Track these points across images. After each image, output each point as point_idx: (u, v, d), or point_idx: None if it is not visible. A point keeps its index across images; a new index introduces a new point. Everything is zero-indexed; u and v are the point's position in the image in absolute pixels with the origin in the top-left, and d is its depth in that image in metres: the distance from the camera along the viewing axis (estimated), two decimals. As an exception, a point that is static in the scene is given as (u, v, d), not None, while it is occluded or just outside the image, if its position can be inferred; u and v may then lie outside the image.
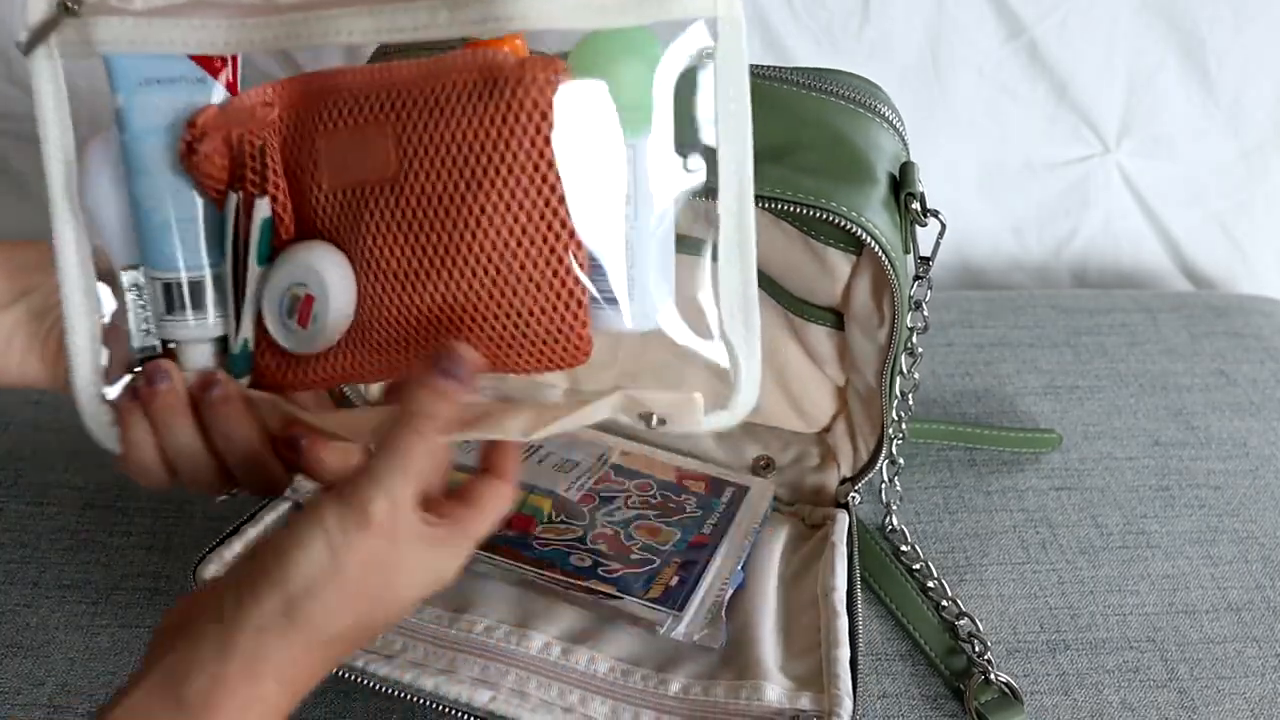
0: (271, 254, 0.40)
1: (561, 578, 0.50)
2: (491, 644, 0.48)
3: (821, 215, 0.46)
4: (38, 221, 0.84)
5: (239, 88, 0.40)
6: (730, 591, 0.51)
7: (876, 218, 0.46)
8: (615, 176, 0.38)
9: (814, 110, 0.51)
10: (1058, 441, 0.64)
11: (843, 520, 0.55)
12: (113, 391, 0.41)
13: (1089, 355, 0.72)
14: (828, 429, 0.60)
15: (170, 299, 0.41)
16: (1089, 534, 0.58)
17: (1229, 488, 0.61)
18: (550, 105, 0.37)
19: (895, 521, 0.58)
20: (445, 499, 0.38)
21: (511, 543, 0.52)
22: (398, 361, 0.40)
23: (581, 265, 0.38)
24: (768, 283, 0.55)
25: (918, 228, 0.49)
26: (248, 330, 0.41)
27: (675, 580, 0.50)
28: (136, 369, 0.41)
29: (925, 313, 0.51)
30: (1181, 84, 0.77)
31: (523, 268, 0.38)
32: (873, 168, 0.48)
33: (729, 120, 0.37)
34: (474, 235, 0.38)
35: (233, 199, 0.40)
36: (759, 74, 0.53)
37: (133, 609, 0.54)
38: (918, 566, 0.56)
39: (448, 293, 0.38)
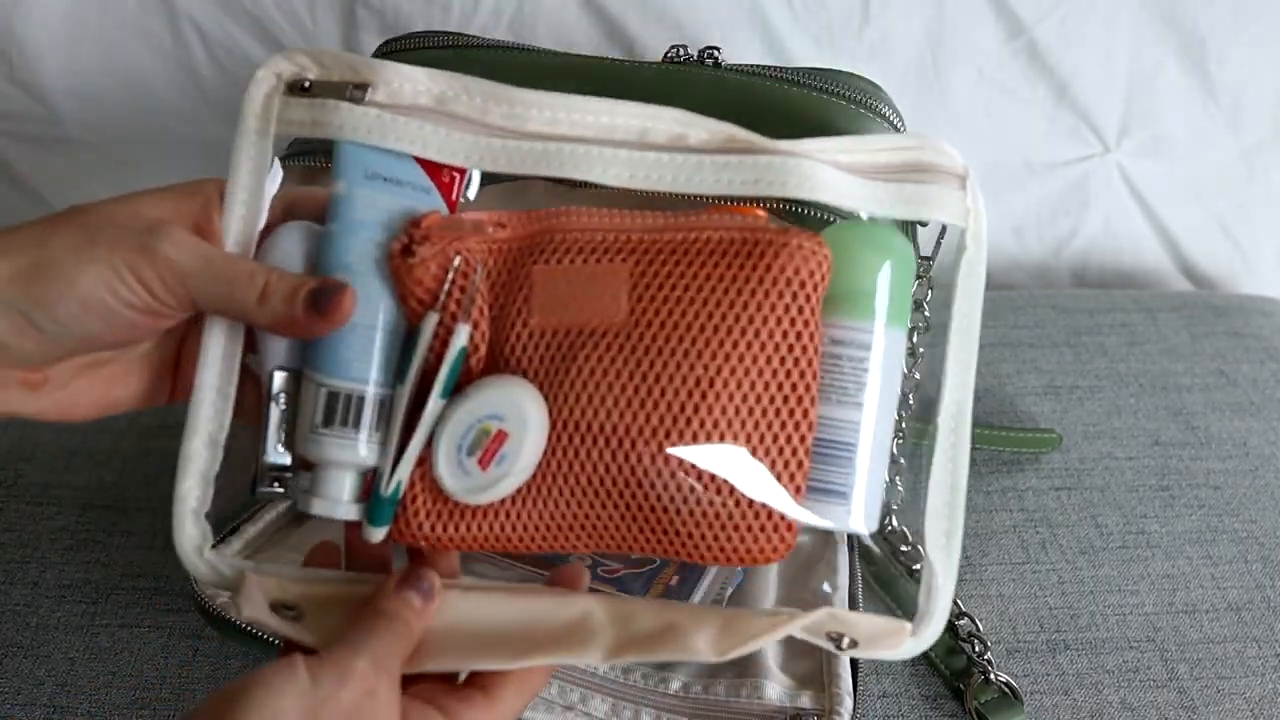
0: (455, 389, 0.37)
1: None
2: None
3: (823, 216, 0.46)
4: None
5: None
6: (730, 591, 0.51)
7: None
8: (859, 360, 0.37)
9: (815, 110, 0.51)
10: (1058, 441, 0.64)
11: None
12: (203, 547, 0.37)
13: (1089, 355, 0.72)
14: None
15: (332, 410, 0.36)
16: (1089, 534, 0.58)
17: (1229, 488, 0.61)
18: (815, 276, 0.36)
19: (895, 521, 0.58)
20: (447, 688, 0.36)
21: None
22: (568, 529, 0.37)
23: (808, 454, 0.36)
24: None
25: (919, 227, 0.49)
26: (406, 470, 0.36)
27: (676, 580, 0.50)
28: (265, 487, 0.37)
29: (926, 313, 0.51)
30: (1181, 84, 0.77)
31: (749, 439, 0.35)
32: (873, 168, 0.48)
33: (961, 336, 0.38)
34: (708, 396, 0.35)
35: (431, 319, 0.36)
36: (760, 74, 0.53)
37: (133, 609, 0.54)
38: (918, 567, 0.56)
39: (658, 458, 0.35)
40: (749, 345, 0.35)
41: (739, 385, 0.35)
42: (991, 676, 0.49)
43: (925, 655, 0.52)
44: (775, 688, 0.46)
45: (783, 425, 0.36)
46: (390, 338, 0.37)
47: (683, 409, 0.35)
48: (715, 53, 0.55)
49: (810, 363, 0.36)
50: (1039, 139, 0.80)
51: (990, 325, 0.74)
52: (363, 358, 0.37)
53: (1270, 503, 0.61)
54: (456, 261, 0.37)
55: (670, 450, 0.35)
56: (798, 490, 0.36)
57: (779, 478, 0.36)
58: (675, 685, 0.47)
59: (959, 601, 0.53)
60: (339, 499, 0.37)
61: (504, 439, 0.36)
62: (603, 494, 0.36)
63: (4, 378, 0.35)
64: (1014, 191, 0.82)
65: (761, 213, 0.37)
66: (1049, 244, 0.85)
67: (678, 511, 0.36)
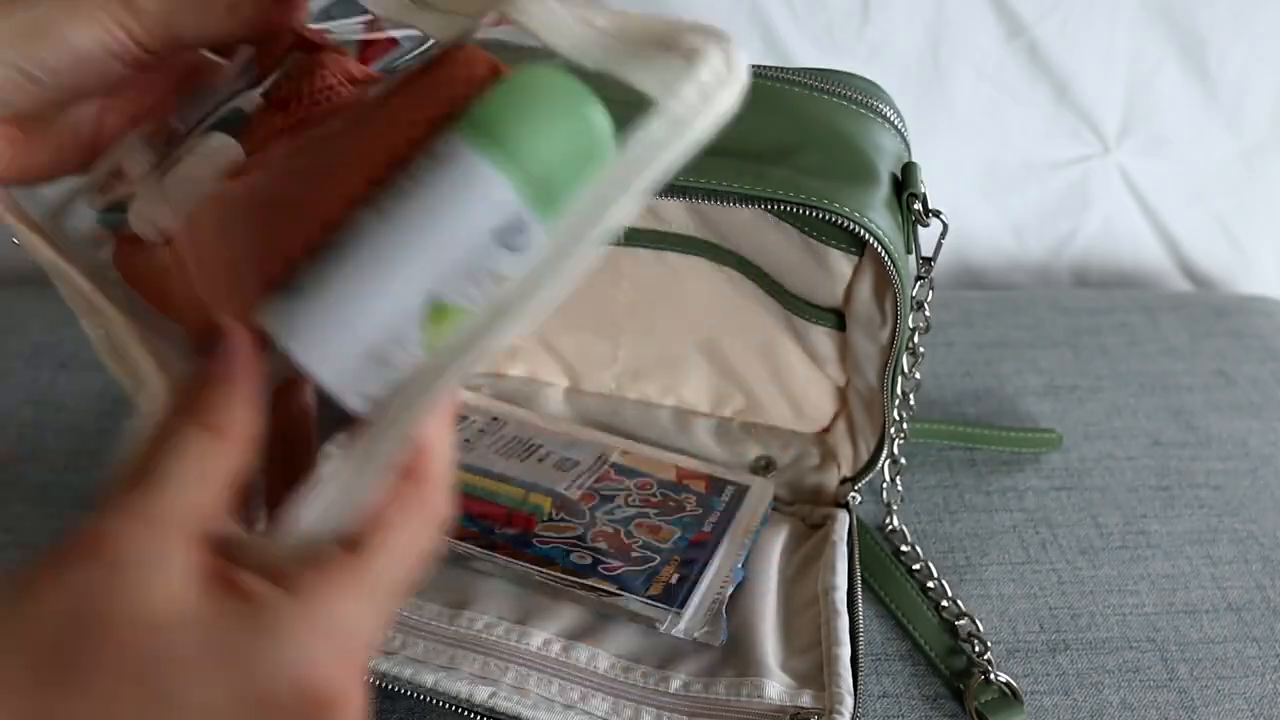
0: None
1: (562, 575, 0.50)
2: (491, 641, 0.48)
3: (824, 216, 0.46)
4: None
5: None
6: (731, 589, 0.51)
7: (879, 218, 0.46)
8: (421, 167, 0.30)
9: (816, 111, 0.51)
10: (1058, 441, 0.64)
11: (843, 520, 0.55)
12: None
13: (1089, 355, 0.72)
14: (828, 429, 0.60)
15: None
16: (1089, 534, 0.58)
17: (1229, 488, 0.61)
18: (462, 87, 0.31)
19: (895, 521, 0.58)
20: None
21: (512, 540, 0.52)
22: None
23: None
24: (769, 283, 0.55)
25: (919, 228, 0.49)
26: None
27: (676, 578, 0.50)
28: None
29: (927, 313, 0.51)
30: (1181, 84, 0.77)
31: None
32: (875, 168, 0.49)
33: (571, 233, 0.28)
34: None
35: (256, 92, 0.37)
36: (760, 74, 0.53)
37: (133, 608, 0.54)
38: (918, 566, 0.56)
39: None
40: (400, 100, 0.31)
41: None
42: (991, 676, 0.49)
43: (925, 655, 0.52)
44: (775, 687, 0.46)
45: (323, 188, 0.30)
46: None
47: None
48: (715, 52, 0.55)
49: (393, 153, 0.29)
50: (1039, 139, 0.80)
51: (990, 325, 0.74)
52: None
53: (1270, 503, 0.61)
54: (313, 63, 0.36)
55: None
56: (277, 279, 0.28)
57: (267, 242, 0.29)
58: (675, 684, 0.47)
59: (959, 601, 0.53)
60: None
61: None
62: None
63: None
64: (1014, 191, 0.83)
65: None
66: (1049, 244, 0.85)
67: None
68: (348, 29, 0.39)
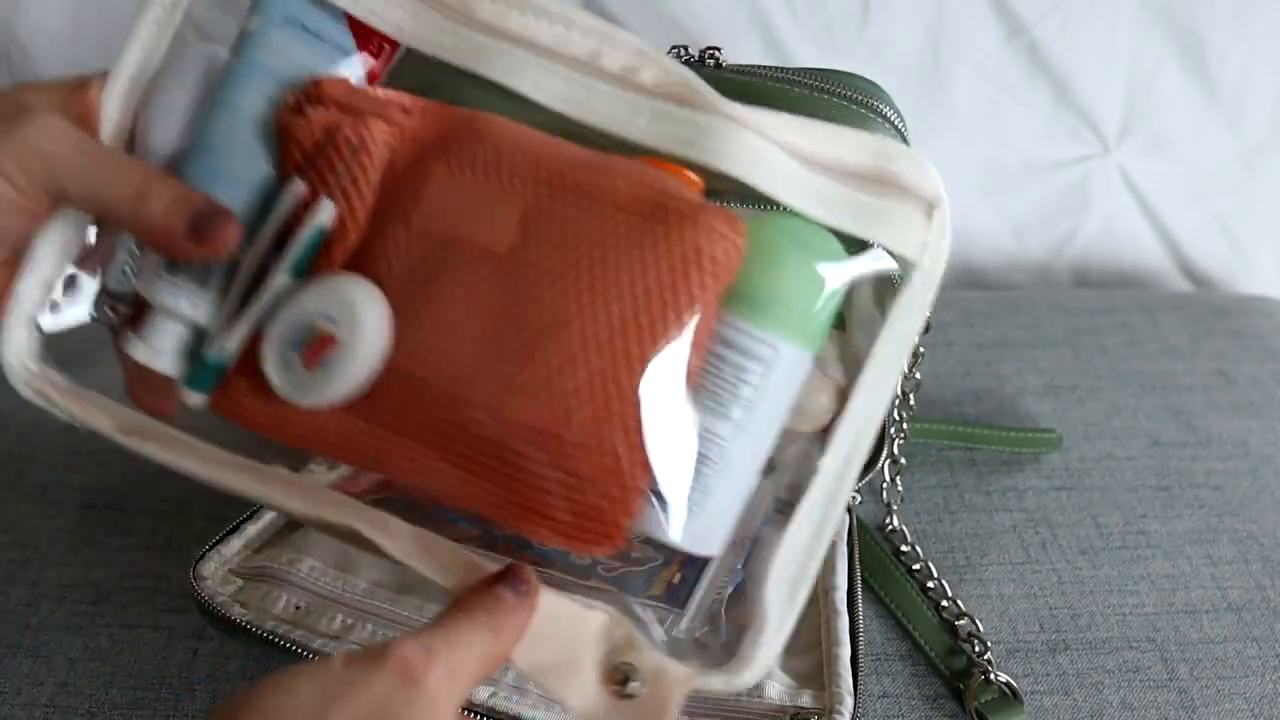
0: (308, 271, 0.34)
1: (562, 576, 0.50)
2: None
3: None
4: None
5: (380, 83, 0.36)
6: (730, 590, 0.51)
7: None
8: (746, 370, 0.33)
9: (816, 111, 0.51)
10: (1058, 441, 0.64)
11: (843, 520, 0.55)
12: (50, 321, 0.34)
13: (1089, 355, 0.72)
14: (828, 429, 0.60)
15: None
16: (1089, 534, 0.58)
17: (1229, 488, 0.61)
18: (718, 265, 0.31)
19: (895, 521, 0.58)
20: None
21: (512, 541, 0.52)
22: (392, 455, 0.33)
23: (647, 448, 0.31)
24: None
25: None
26: (236, 342, 0.33)
27: (678, 578, 0.50)
28: (99, 310, 0.35)
29: (927, 313, 0.51)
30: (1181, 84, 0.77)
31: (602, 408, 0.31)
32: (874, 167, 0.48)
33: (879, 368, 0.32)
34: (559, 340, 0.31)
35: (296, 187, 0.33)
36: (760, 74, 0.53)
37: (133, 609, 0.54)
38: (918, 566, 0.56)
39: (501, 393, 0.31)
40: (620, 311, 0.31)
41: (597, 349, 0.31)
42: (991, 676, 0.49)
43: (925, 655, 0.52)
44: (775, 686, 0.46)
45: (635, 411, 0.31)
46: (262, 200, 0.34)
47: (530, 345, 0.31)
48: (716, 53, 0.55)
49: (683, 356, 0.31)
50: (1039, 139, 0.80)
51: (990, 325, 0.74)
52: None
53: (1270, 503, 0.61)
54: (351, 136, 0.33)
55: (514, 386, 0.31)
56: (635, 487, 0.32)
57: (616, 464, 0.31)
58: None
59: (959, 601, 0.53)
60: (162, 350, 0.34)
61: (330, 344, 0.32)
62: (433, 428, 0.32)
63: None
64: (1014, 191, 0.82)
65: (694, 179, 0.34)
66: (1049, 244, 0.85)
67: (505, 465, 0.32)
68: (335, 38, 0.35)
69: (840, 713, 0.45)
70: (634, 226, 0.32)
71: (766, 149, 0.32)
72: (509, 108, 0.34)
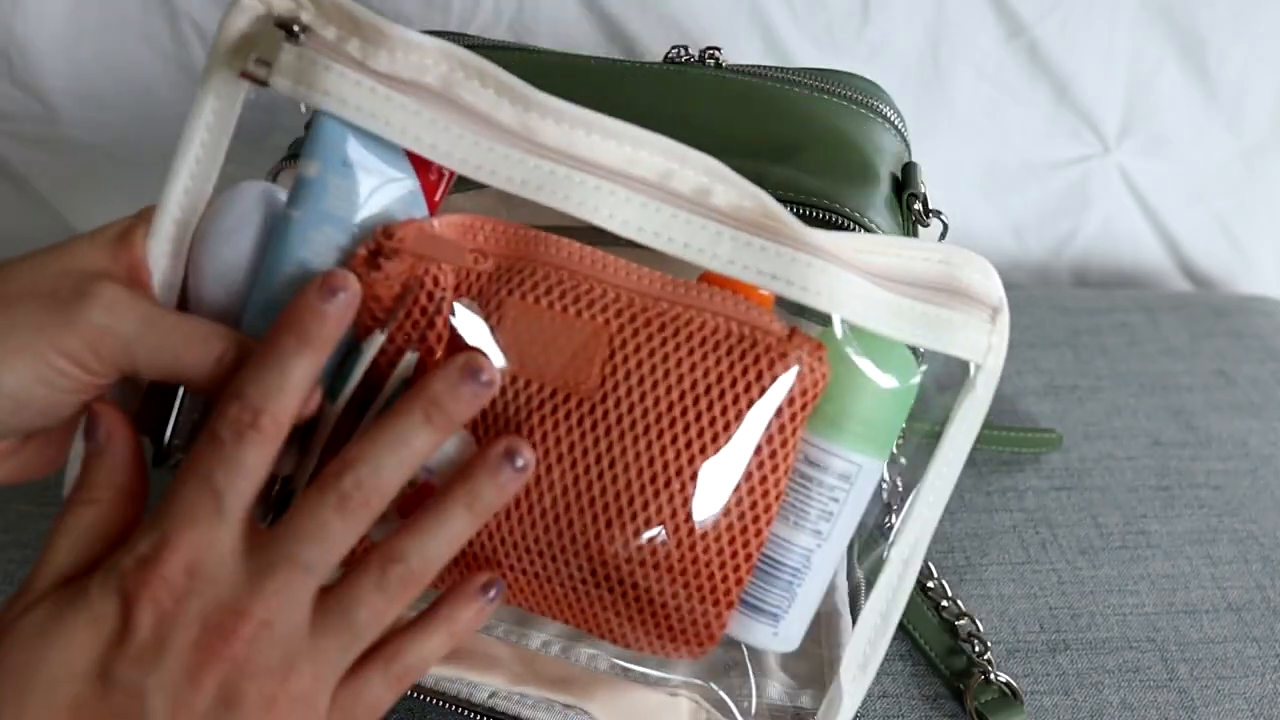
0: None
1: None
2: (491, 640, 0.48)
3: (825, 216, 0.46)
4: (38, 221, 0.84)
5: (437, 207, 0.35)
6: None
7: (880, 218, 0.46)
8: (832, 488, 0.35)
9: (816, 111, 0.51)
10: (1058, 441, 0.64)
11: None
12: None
13: (1089, 355, 0.72)
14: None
15: None
16: (1089, 534, 0.58)
17: (1229, 488, 0.61)
18: (808, 395, 0.33)
19: (895, 521, 0.57)
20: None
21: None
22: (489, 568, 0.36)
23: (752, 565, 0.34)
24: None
25: (920, 228, 0.49)
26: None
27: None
28: (166, 463, 0.34)
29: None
30: (1181, 84, 0.77)
31: (703, 542, 0.33)
32: (875, 168, 0.49)
33: (939, 479, 0.36)
34: (661, 495, 0.32)
35: (376, 340, 0.33)
36: (761, 74, 0.53)
37: (133, 608, 0.54)
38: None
39: (595, 540, 0.33)
40: (719, 449, 0.33)
41: (699, 488, 0.33)
42: (991, 677, 0.49)
43: (925, 655, 0.52)
44: (776, 687, 0.46)
45: (734, 535, 0.34)
46: (340, 350, 0.33)
47: (633, 501, 0.33)
48: (716, 53, 0.55)
49: (778, 482, 0.34)
50: (1039, 139, 0.80)
51: (990, 325, 0.74)
52: None
53: (1270, 503, 0.61)
54: (427, 284, 0.33)
55: (609, 533, 0.33)
56: (729, 602, 0.34)
57: (716, 585, 0.34)
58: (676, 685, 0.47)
59: (959, 601, 0.53)
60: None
61: (429, 492, 0.32)
62: (534, 566, 0.34)
63: None
64: (1014, 191, 0.82)
65: (767, 297, 0.35)
66: (1049, 244, 0.85)
67: (609, 591, 0.34)
68: (395, 175, 0.34)
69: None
70: (724, 361, 0.33)
71: (851, 280, 0.32)
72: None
